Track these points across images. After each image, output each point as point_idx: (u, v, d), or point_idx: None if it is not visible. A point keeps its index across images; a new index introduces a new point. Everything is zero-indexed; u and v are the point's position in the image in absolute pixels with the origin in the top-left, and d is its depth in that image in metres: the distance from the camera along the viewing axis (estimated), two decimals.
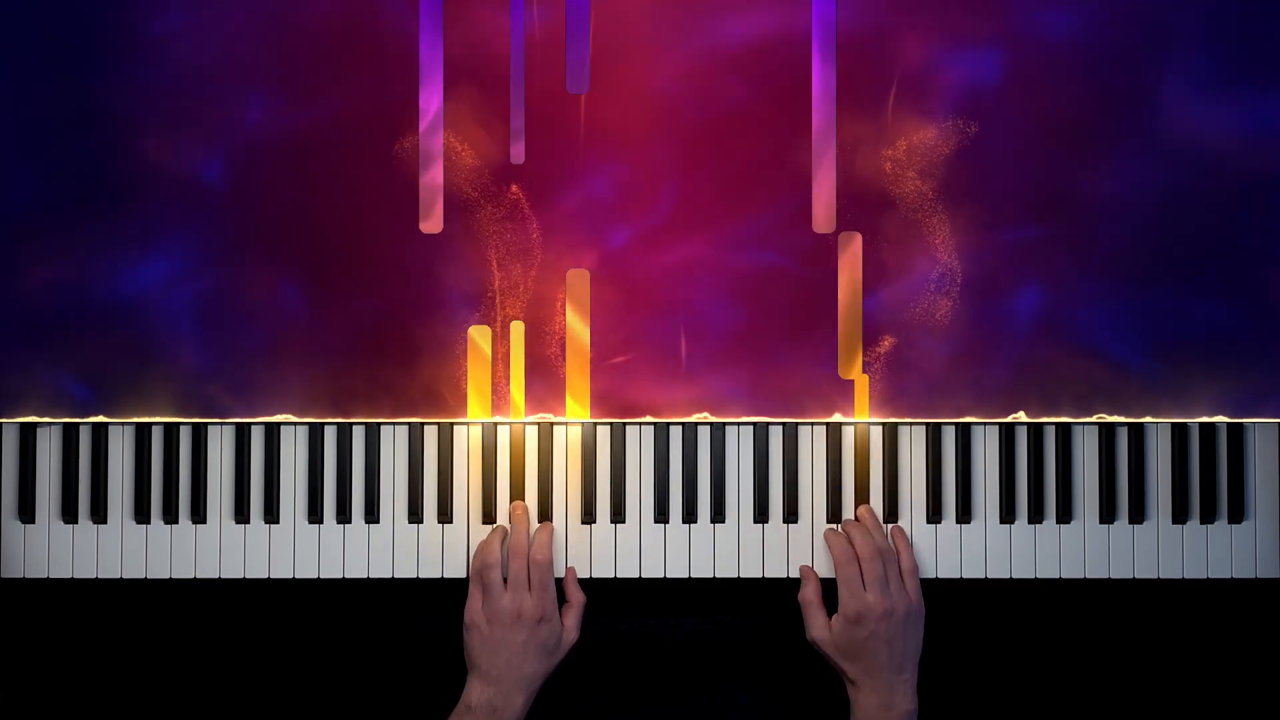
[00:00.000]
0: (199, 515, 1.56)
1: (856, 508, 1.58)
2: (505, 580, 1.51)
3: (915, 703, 1.51)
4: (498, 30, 1.57)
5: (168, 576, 1.56)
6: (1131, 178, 1.57)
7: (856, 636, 1.50)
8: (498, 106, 1.57)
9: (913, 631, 1.52)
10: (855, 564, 1.53)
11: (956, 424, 1.58)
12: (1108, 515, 1.57)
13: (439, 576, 1.57)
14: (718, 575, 1.57)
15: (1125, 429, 1.58)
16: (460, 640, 1.52)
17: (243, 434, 1.57)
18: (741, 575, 1.57)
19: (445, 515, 1.57)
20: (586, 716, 1.62)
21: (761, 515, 1.57)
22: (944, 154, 1.57)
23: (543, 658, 1.50)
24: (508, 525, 1.56)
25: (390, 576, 1.57)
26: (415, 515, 1.57)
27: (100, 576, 1.56)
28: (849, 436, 1.58)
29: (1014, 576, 1.57)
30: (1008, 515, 1.57)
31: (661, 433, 1.58)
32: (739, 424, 1.58)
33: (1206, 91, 1.57)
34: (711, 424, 1.58)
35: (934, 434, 1.58)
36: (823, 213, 1.58)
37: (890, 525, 1.57)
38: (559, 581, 1.55)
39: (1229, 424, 1.58)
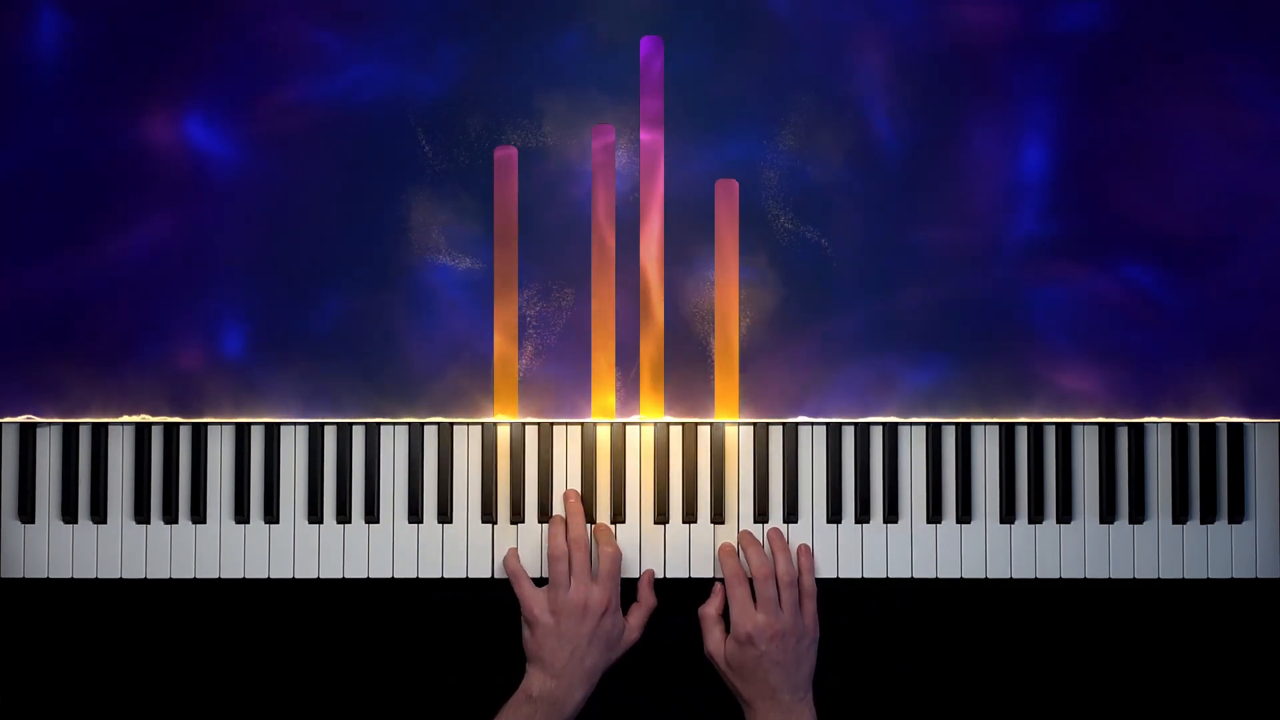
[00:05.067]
0: (199, 515, 1.56)
1: (763, 518, 1.56)
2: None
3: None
4: None
5: (167, 576, 1.56)
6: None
7: (748, 657, 1.50)
8: None
9: (806, 655, 1.52)
10: (746, 584, 1.53)
11: (956, 424, 1.58)
12: (1108, 515, 1.57)
13: (439, 576, 1.57)
14: (718, 575, 1.57)
15: (1125, 429, 1.58)
16: (518, 636, 1.53)
17: (243, 434, 1.57)
18: None
19: (445, 515, 1.57)
20: (584, 716, 1.62)
21: (761, 515, 1.57)
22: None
23: (604, 651, 1.51)
24: (562, 514, 1.56)
25: (390, 576, 1.57)
26: (415, 515, 1.57)
27: (100, 576, 1.56)
28: (849, 436, 1.58)
29: (1014, 576, 1.57)
30: (1008, 515, 1.57)
31: (661, 432, 1.57)
32: (739, 424, 1.58)
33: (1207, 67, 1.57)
34: (712, 424, 1.58)
35: (934, 434, 1.58)
36: None
37: (798, 545, 1.56)
38: (631, 581, 1.56)
39: (1229, 424, 1.58)
